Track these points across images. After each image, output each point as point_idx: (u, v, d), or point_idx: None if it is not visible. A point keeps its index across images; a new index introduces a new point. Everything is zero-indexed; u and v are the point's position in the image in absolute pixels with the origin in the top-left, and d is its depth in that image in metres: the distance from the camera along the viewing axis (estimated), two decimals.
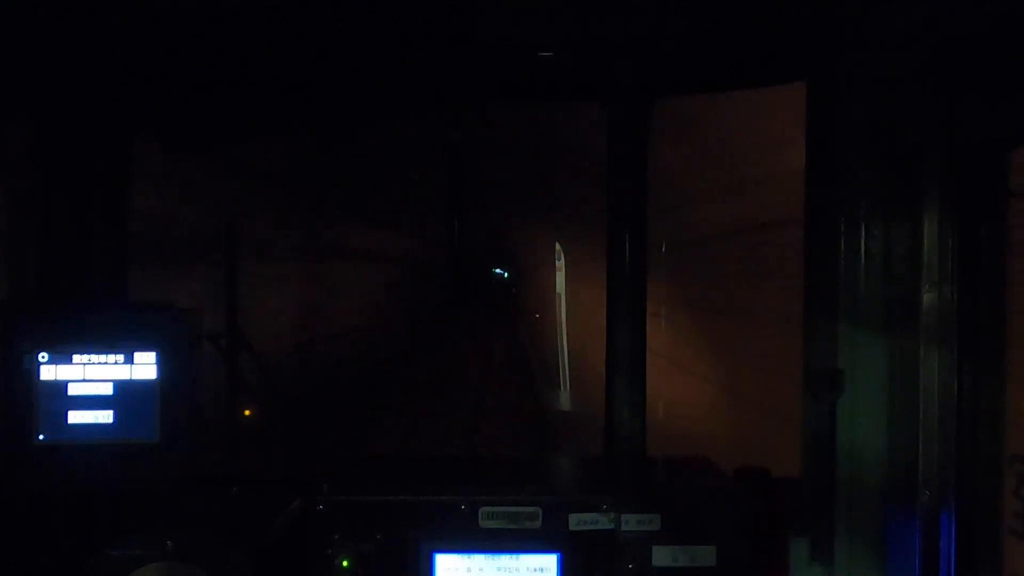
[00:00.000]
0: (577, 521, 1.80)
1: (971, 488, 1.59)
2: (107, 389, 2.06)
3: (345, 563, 1.78)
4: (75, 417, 2.06)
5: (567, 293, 16.75)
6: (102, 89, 2.21)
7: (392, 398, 14.54)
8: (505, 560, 1.80)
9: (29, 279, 2.24)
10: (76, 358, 2.06)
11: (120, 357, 2.06)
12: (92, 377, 2.06)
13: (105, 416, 2.06)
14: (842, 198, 1.75)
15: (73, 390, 2.06)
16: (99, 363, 2.06)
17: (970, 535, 1.59)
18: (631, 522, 1.81)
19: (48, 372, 2.05)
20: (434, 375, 18.40)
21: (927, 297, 1.60)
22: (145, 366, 2.07)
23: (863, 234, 1.73)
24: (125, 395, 2.06)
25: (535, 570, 1.80)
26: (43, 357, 2.05)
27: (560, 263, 17.48)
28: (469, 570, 1.80)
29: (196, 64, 2.07)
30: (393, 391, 15.14)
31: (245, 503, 2.03)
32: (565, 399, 15.18)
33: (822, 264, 1.82)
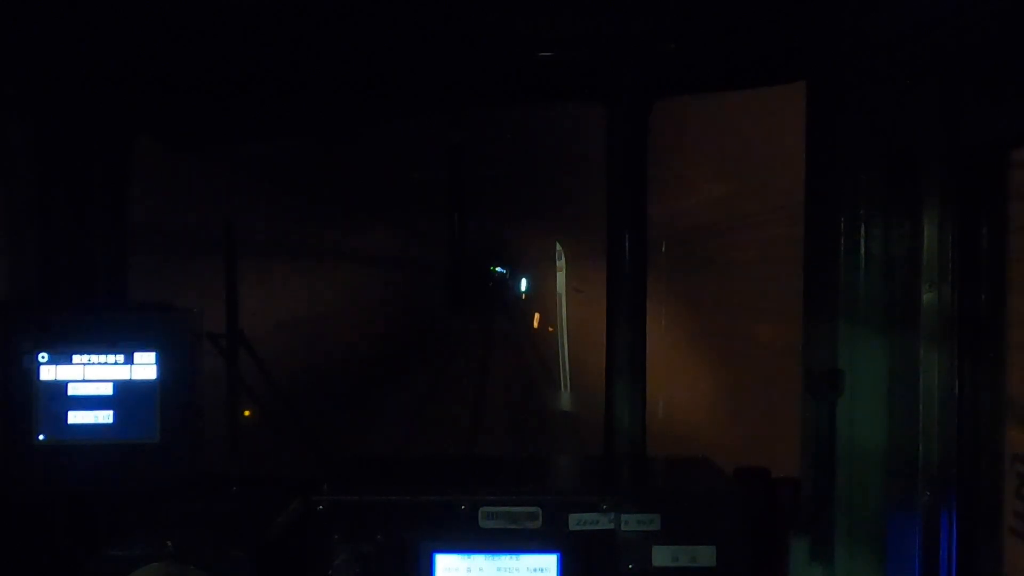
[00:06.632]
0: (577, 521, 1.80)
1: (971, 488, 1.58)
2: (107, 389, 2.06)
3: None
4: (75, 417, 2.06)
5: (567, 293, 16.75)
6: (103, 90, 2.21)
7: (392, 398, 14.53)
8: (505, 560, 1.79)
9: (29, 279, 2.24)
10: (76, 358, 2.06)
11: (120, 357, 2.06)
12: (92, 377, 2.06)
13: (105, 416, 2.06)
14: (842, 198, 1.75)
15: (73, 390, 2.06)
16: (99, 363, 2.06)
17: (970, 535, 1.58)
18: (631, 522, 1.80)
19: (48, 372, 2.05)
20: (434, 374, 18.39)
21: (927, 297, 1.60)
22: (145, 366, 2.07)
23: (863, 234, 1.73)
24: (125, 395, 2.06)
25: (535, 570, 1.80)
26: (43, 357, 2.05)
27: (560, 263, 17.47)
28: (469, 570, 1.80)
29: (197, 65, 2.07)
30: (393, 391, 15.13)
31: (245, 503, 2.02)
32: (566, 399, 15.17)
33: (822, 264, 1.81)
